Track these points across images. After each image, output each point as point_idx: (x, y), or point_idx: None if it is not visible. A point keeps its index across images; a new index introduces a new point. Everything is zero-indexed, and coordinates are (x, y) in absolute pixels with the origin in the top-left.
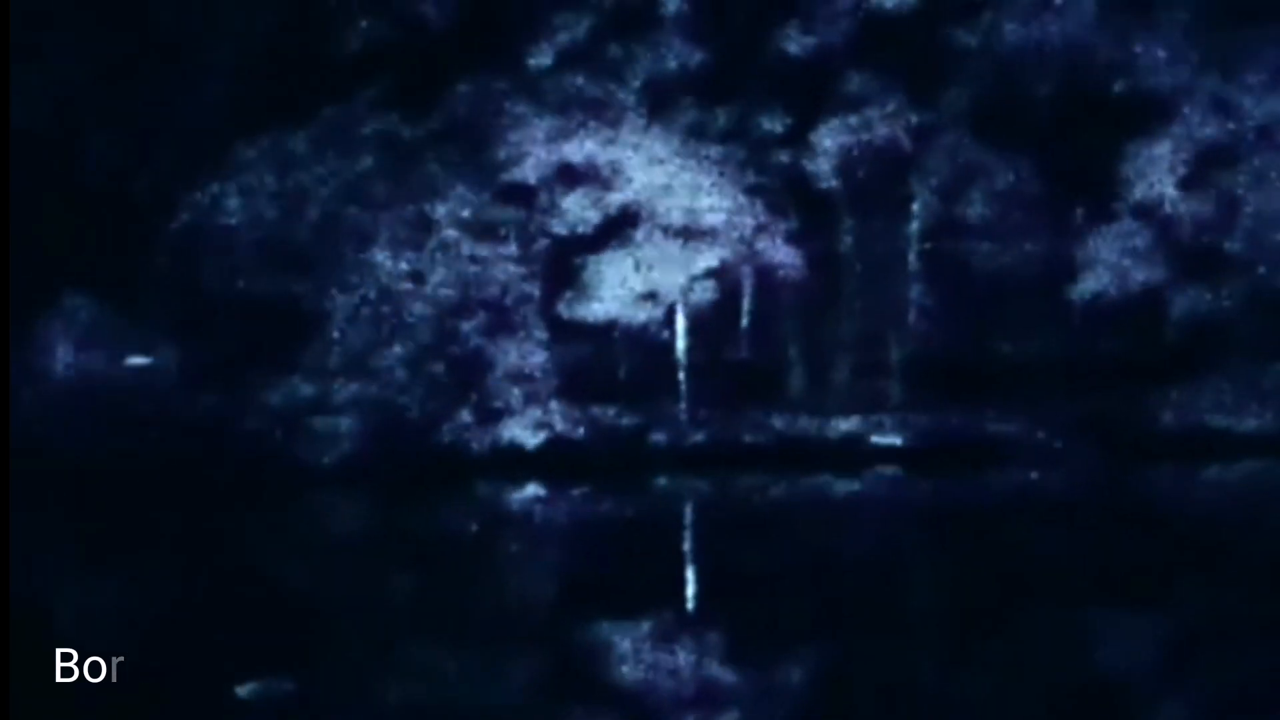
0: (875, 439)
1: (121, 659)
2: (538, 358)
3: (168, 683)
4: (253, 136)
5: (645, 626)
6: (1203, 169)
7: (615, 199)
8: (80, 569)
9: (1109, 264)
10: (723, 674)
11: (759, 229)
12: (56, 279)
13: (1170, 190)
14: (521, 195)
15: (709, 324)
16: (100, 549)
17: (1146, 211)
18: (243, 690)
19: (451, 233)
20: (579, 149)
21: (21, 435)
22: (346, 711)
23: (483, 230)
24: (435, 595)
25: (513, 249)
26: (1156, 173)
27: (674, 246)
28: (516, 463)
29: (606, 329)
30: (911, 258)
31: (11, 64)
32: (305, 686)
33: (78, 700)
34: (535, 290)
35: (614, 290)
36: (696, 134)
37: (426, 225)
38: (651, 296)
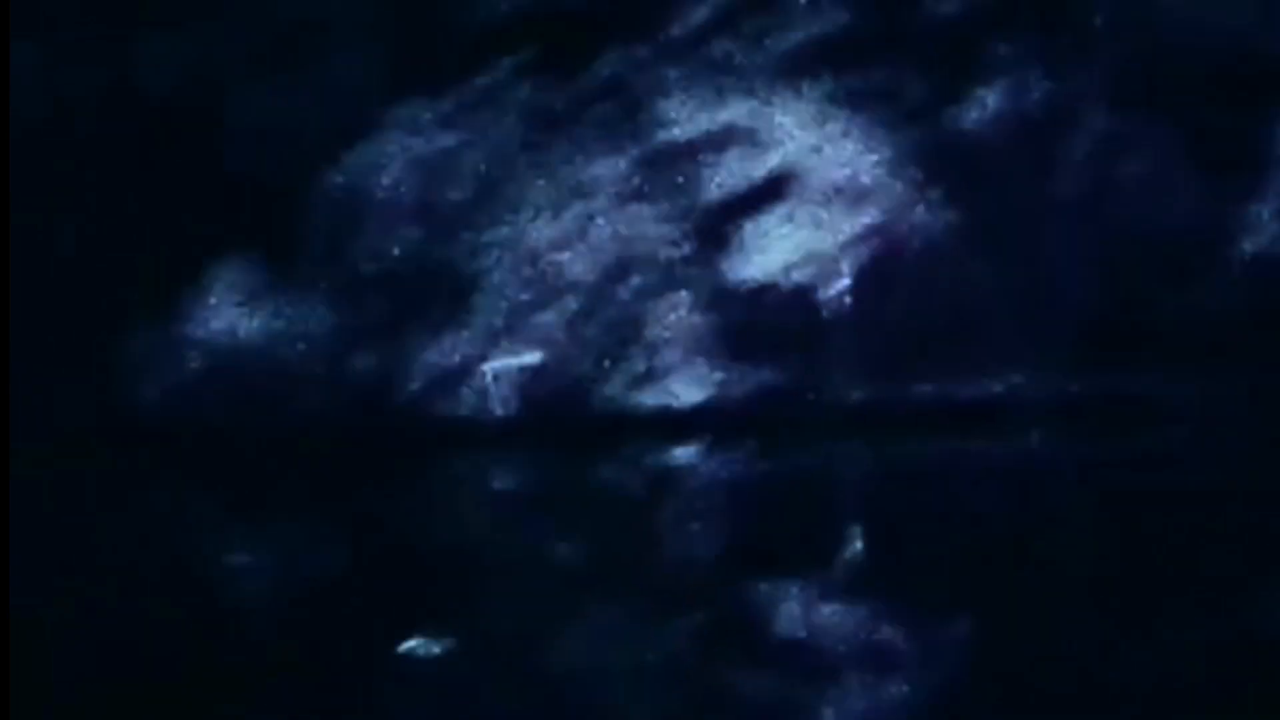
0: (1033, 400)
1: (285, 619)
2: (694, 319)
3: (330, 641)
4: (406, 101)
5: (806, 586)
6: None
7: (767, 162)
8: (244, 534)
9: (1268, 226)
10: (884, 634)
11: (911, 191)
12: (210, 247)
13: None
14: (673, 159)
15: (863, 285)
16: (262, 513)
17: None
18: (404, 648)
19: (604, 197)
20: (730, 113)
21: (180, 405)
22: (508, 670)
23: (635, 194)
24: (595, 555)
25: (666, 212)
26: None
27: (827, 208)
28: (675, 423)
29: (762, 290)
30: (1064, 220)
31: (156, 33)
32: (466, 644)
33: (243, 660)
34: (690, 253)
35: (768, 252)
36: (847, 96)
37: (579, 190)
38: (805, 258)
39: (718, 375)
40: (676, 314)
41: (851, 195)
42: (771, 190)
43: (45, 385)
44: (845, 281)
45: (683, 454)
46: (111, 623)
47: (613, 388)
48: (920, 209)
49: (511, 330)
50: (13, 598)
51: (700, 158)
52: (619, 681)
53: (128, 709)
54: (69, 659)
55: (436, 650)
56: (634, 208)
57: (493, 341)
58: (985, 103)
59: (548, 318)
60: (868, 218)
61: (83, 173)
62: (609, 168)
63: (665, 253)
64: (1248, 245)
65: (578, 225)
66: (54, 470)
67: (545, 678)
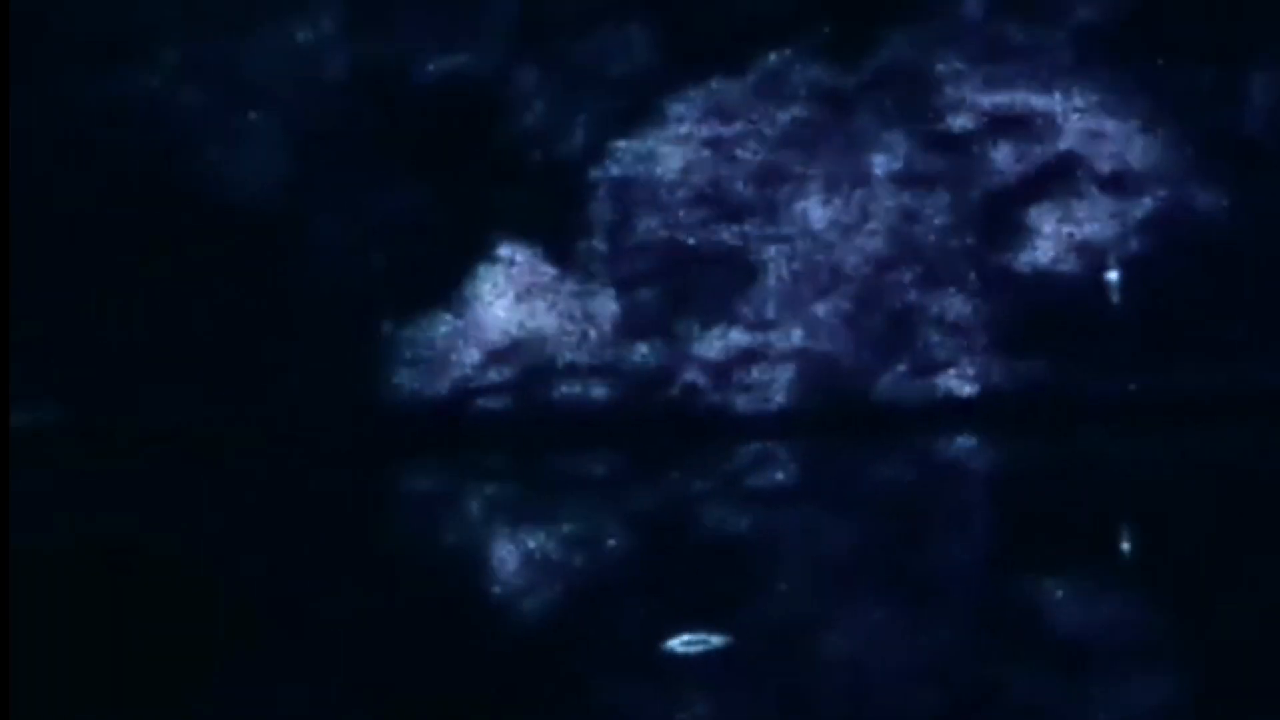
0: None
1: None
2: (971, 309)
3: (601, 634)
4: (685, 86)
5: (1078, 582)
6: None
7: (1048, 148)
8: (519, 528)
9: None
10: (1155, 630)
11: (1190, 178)
12: (491, 231)
13: None
14: (954, 145)
15: (1142, 274)
16: (537, 507)
17: None
18: (674, 643)
19: (885, 183)
20: (1011, 98)
21: (458, 397)
22: (779, 666)
23: (916, 180)
24: (867, 549)
25: (946, 199)
26: None
27: (1106, 196)
28: (951, 414)
29: (1039, 280)
30: None
31: (423, 21)
32: (738, 640)
33: (513, 653)
34: (969, 241)
35: (1047, 240)
36: (1127, 82)
37: (860, 176)
38: (1084, 246)
39: (993, 367)
40: (953, 304)
41: (1128, 183)
42: (1050, 178)
43: (323, 377)
44: (1122, 271)
45: (957, 447)
46: (384, 619)
47: (887, 379)
48: (1197, 198)
49: (788, 320)
50: (287, 598)
51: (981, 144)
52: (888, 679)
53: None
54: (346, 653)
55: (706, 645)
56: (913, 195)
57: (770, 330)
58: (1268, 91)
59: (824, 307)
60: (1144, 207)
61: (363, 159)
62: (889, 154)
63: (943, 241)
64: None
65: (856, 213)
66: (328, 463)
67: (814, 675)
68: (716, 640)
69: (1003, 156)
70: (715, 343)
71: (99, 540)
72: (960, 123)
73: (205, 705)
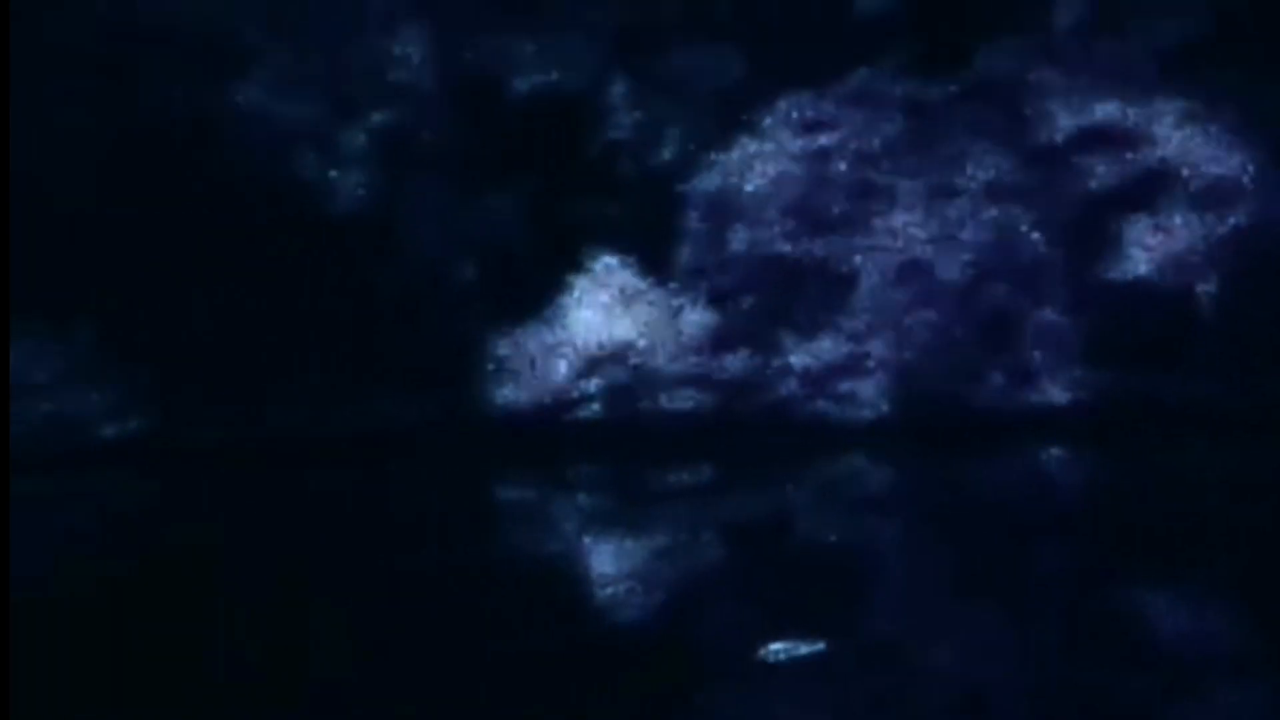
0: None
1: (655, 618)
2: (1066, 320)
3: (698, 641)
4: (777, 99)
5: (1178, 589)
6: None
7: (1140, 160)
8: (614, 535)
9: None
10: (1252, 639)
11: None
12: (585, 243)
13: None
14: (1048, 157)
15: (1234, 285)
16: (633, 514)
17: None
18: (771, 651)
19: (978, 195)
20: (1103, 111)
21: (552, 406)
22: (876, 675)
23: (1009, 192)
24: (967, 557)
25: (1039, 211)
26: None
27: (1198, 208)
28: (1046, 425)
29: (1133, 291)
30: None
31: (519, 36)
32: (835, 648)
33: (610, 658)
34: (1062, 252)
35: (1140, 252)
36: (1220, 95)
37: (953, 188)
38: (1177, 258)
39: (1088, 377)
40: (1047, 315)
41: (1222, 196)
42: (1142, 191)
43: (418, 388)
44: (1214, 283)
45: (1052, 456)
46: (482, 627)
47: (983, 389)
48: None
49: (881, 331)
50: (382, 606)
51: (1075, 157)
52: (983, 687)
53: (498, 708)
54: (445, 661)
55: (804, 652)
56: (1006, 207)
57: (865, 342)
58: None
59: (918, 318)
60: (1237, 219)
61: (458, 171)
62: (984, 166)
63: (1036, 253)
64: None
65: (952, 224)
66: (425, 474)
67: (908, 682)
68: (809, 648)
69: (1095, 169)
70: (809, 353)
71: (191, 549)
72: (1053, 135)
73: (297, 708)
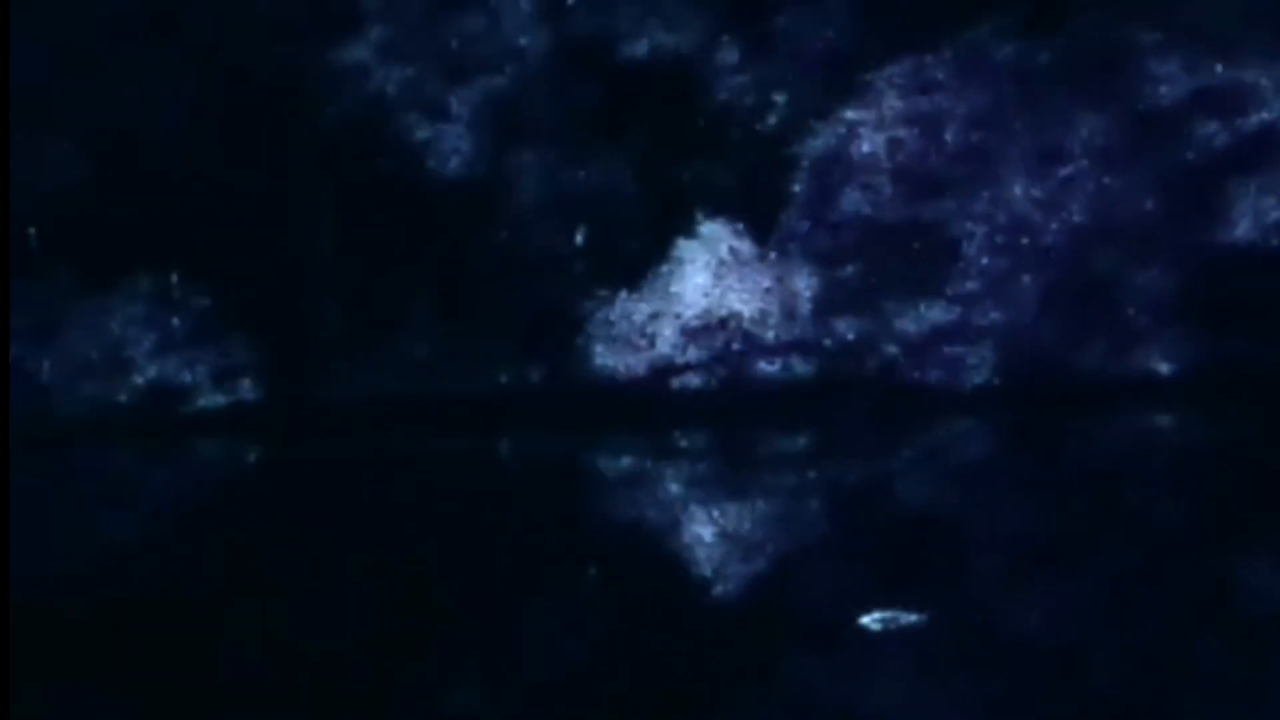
0: None
1: (755, 586)
2: (1172, 284)
3: (798, 609)
4: (885, 64)
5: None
6: None
7: (1246, 125)
8: (714, 503)
9: None
10: None
11: None
12: (692, 207)
13: None
14: (1154, 120)
15: None
16: (734, 482)
17: None
18: (869, 619)
19: (1085, 159)
20: (1210, 73)
21: (661, 367)
22: (974, 645)
23: (1117, 156)
24: (1070, 524)
25: (1147, 175)
26: None
27: None
28: (1151, 391)
29: (1241, 256)
30: None
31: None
32: (934, 617)
33: (711, 624)
34: (1170, 217)
35: (1248, 216)
36: None
37: (1060, 152)
38: None
39: (1193, 341)
40: (1154, 279)
41: None
42: (1252, 153)
43: (523, 353)
44: None
45: (1156, 424)
46: (582, 586)
47: (1089, 354)
48: None
49: (988, 296)
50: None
51: (1181, 120)
52: (1089, 654)
53: (601, 675)
54: (550, 629)
55: (905, 621)
56: (1114, 171)
57: (971, 307)
58: None
59: (1024, 283)
60: None
61: (565, 135)
62: (1090, 130)
63: (1144, 217)
64: None
65: (1058, 188)
66: (528, 440)
67: (1014, 651)
68: (911, 617)
69: (1202, 132)
70: (915, 319)
71: (297, 516)
72: (1161, 98)
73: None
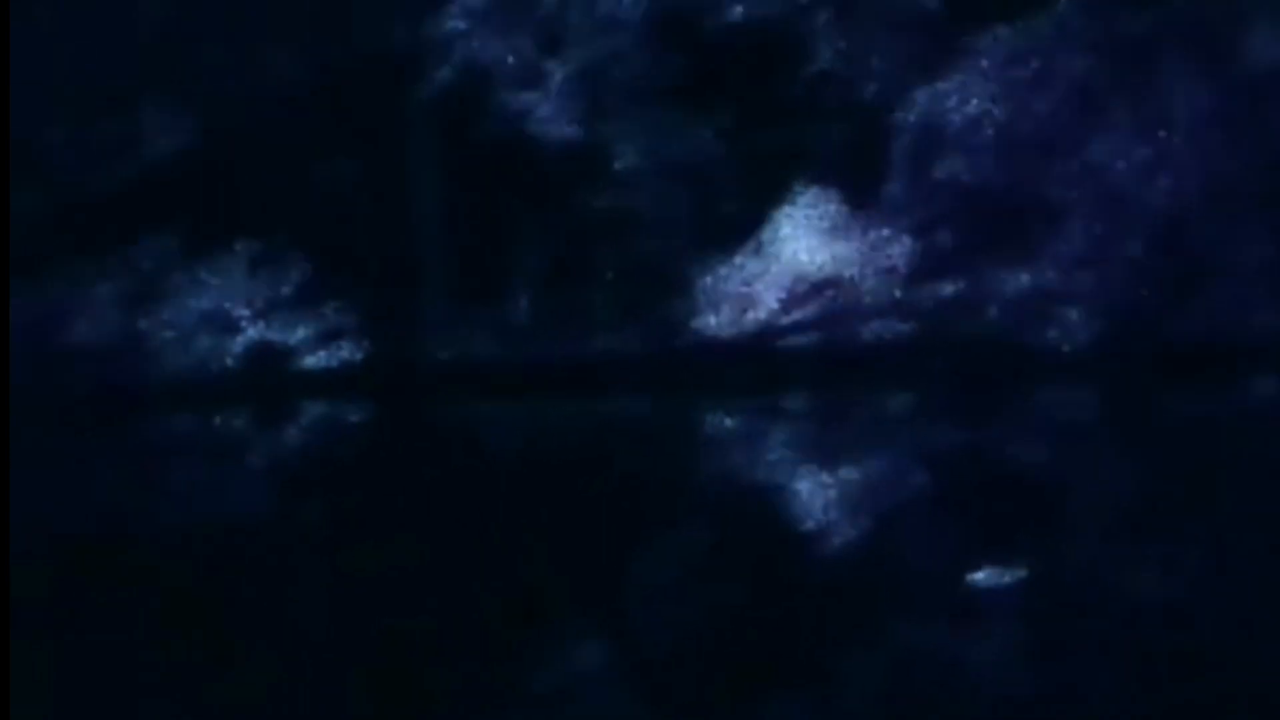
0: None
1: (859, 544)
2: (1272, 251)
3: (903, 568)
4: (983, 30)
5: None
6: None
7: None
8: (825, 457)
9: None
10: None
11: None
12: (792, 173)
13: None
14: (1254, 90)
15: None
16: (835, 443)
17: None
18: (977, 576)
19: (1185, 126)
20: None
21: (764, 330)
22: (1079, 602)
23: (1216, 123)
24: (1167, 487)
25: (1247, 142)
26: None
27: None
28: (1249, 355)
29: None
30: None
31: None
32: (1038, 574)
33: (817, 584)
34: (1270, 184)
35: None
36: None
37: (1160, 119)
38: None
39: None
40: (1253, 246)
41: None
42: None
43: (628, 317)
44: None
45: (1259, 387)
46: (690, 554)
47: (1188, 319)
48: None
49: (1089, 260)
50: (597, 524)
51: None
52: (1189, 614)
53: (707, 637)
54: (653, 589)
55: (1007, 580)
56: (1214, 138)
57: (1069, 271)
58: None
59: (1125, 248)
60: None
61: (665, 103)
62: (1190, 98)
63: (1244, 184)
64: None
65: (1157, 155)
66: (635, 401)
67: (1115, 611)
68: (1013, 576)
69: None
70: (1014, 283)
71: (405, 478)
72: (1260, 63)
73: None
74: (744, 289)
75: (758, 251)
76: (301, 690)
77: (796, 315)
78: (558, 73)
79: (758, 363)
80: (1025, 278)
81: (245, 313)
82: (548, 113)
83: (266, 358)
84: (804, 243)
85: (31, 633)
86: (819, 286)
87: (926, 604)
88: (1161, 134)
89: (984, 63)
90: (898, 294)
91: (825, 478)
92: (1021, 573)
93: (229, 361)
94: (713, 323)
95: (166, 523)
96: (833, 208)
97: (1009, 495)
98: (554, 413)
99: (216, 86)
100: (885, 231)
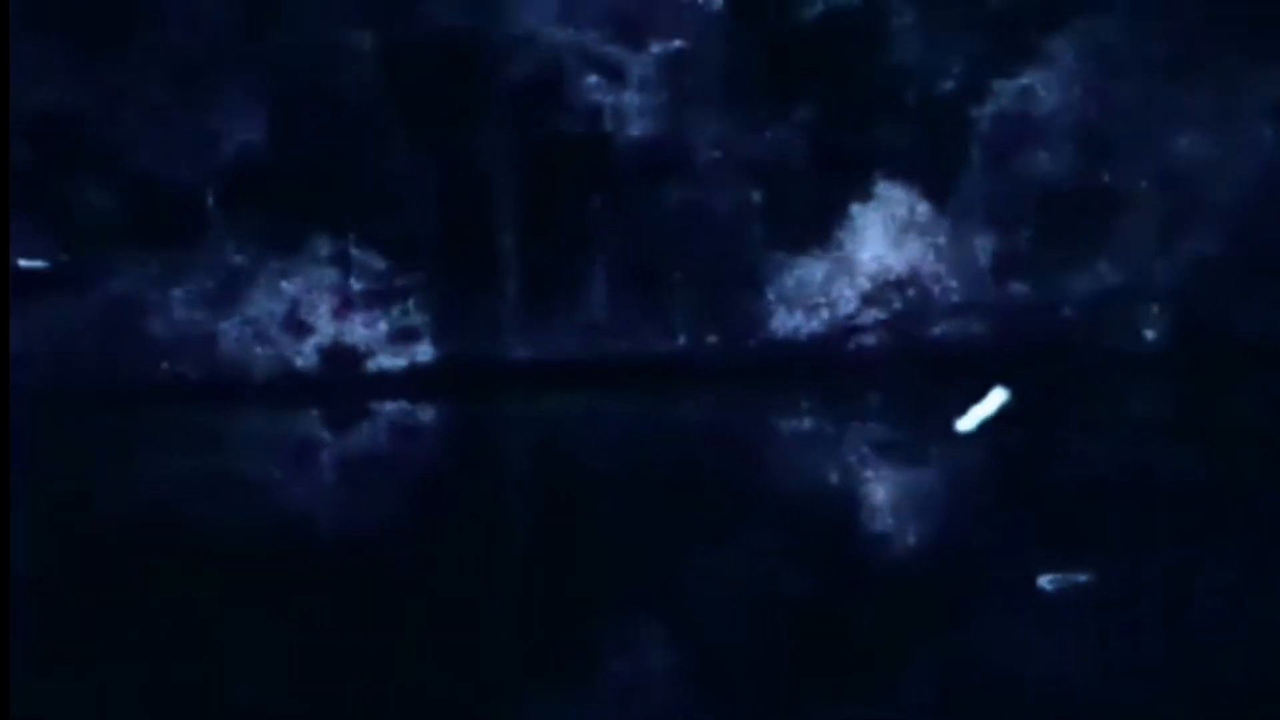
0: None
1: (924, 545)
2: None
3: (974, 572)
4: (1063, 23)
5: None
6: None
7: None
8: (898, 459)
9: None
10: None
11: None
12: (868, 169)
13: None
14: None
15: None
16: (907, 442)
17: None
18: (1045, 581)
19: (1262, 118)
20: None
21: (838, 328)
22: (1150, 604)
23: None
24: (1234, 487)
25: None
26: None
27: None
28: None
29: None
30: None
31: None
32: (1105, 579)
33: (887, 588)
34: None
35: None
36: None
37: (1237, 111)
38: None
39: None
40: None
41: None
42: None
43: (700, 314)
44: None
45: None
46: (757, 551)
47: (1258, 316)
48: None
49: (1162, 254)
50: (666, 529)
51: None
52: (1260, 620)
53: (774, 642)
54: (720, 594)
55: (1074, 583)
56: None
57: (1141, 268)
58: None
59: (1198, 242)
60: None
61: (740, 95)
62: (1265, 83)
63: None
64: None
65: (1233, 149)
66: (704, 400)
67: (1179, 618)
68: (1083, 579)
69: None
70: (1089, 280)
71: (475, 482)
72: None
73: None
74: (821, 286)
75: (835, 248)
76: (374, 690)
77: (871, 314)
78: (636, 67)
79: (834, 361)
80: (1102, 275)
81: (318, 310)
82: (626, 107)
83: (339, 357)
84: (882, 239)
85: (100, 623)
86: (897, 284)
87: (1000, 606)
88: (1241, 126)
89: (1066, 55)
90: (976, 292)
91: (900, 477)
92: (1093, 576)
93: (300, 362)
94: (790, 321)
95: (235, 522)
96: (911, 204)
97: (1081, 496)
98: (629, 412)
99: (290, 81)
100: (963, 228)
